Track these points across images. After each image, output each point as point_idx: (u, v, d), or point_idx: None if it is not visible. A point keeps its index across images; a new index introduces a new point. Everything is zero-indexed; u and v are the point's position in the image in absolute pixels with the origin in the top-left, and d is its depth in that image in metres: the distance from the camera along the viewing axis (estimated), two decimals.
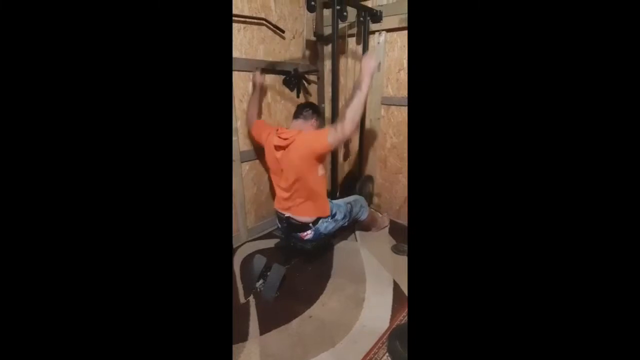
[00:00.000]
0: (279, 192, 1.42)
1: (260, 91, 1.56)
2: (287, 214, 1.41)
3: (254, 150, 1.67)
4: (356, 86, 1.13)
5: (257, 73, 1.52)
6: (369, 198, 1.91)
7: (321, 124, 1.49)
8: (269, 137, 1.38)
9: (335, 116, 1.60)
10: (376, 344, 1.08)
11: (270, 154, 1.38)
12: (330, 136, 1.18)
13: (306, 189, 1.32)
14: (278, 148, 1.32)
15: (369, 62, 1.11)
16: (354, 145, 1.97)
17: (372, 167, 1.97)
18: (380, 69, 1.13)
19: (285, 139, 1.29)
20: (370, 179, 1.98)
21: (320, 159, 1.28)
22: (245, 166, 1.67)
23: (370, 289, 1.36)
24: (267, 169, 1.50)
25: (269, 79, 1.65)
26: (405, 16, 1.51)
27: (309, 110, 1.41)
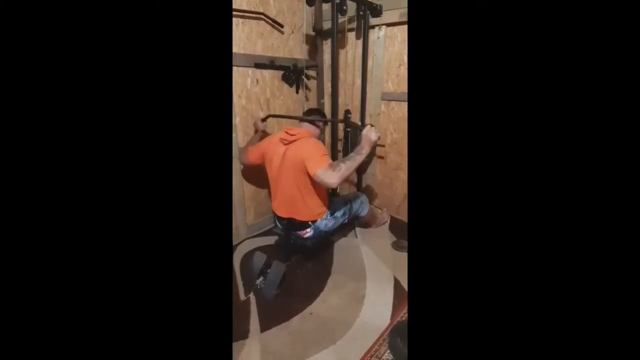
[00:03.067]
0: (276, 193, 1.42)
1: (262, 136, 1.58)
2: (285, 218, 1.41)
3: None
4: (357, 150, 1.24)
5: (259, 120, 1.56)
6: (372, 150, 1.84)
7: (323, 131, 1.55)
8: (270, 141, 1.40)
9: (335, 112, 1.59)
10: (377, 340, 1.08)
11: (273, 150, 1.37)
12: (320, 171, 1.19)
13: (302, 190, 1.33)
14: (284, 142, 1.33)
15: (370, 135, 1.24)
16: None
17: (372, 163, 1.96)
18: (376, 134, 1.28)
19: (292, 135, 1.31)
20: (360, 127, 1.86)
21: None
22: None
23: (371, 286, 1.36)
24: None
25: (268, 74, 1.64)
26: (406, 10, 1.49)
27: (317, 115, 1.47)
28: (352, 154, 1.24)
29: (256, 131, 1.60)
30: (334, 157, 1.71)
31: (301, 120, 1.46)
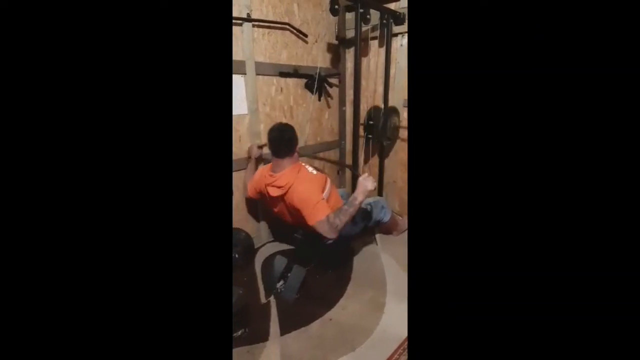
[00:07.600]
0: (286, 217, 1.44)
1: (257, 163, 1.55)
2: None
3: None
4: (350, 200, 1.24)
5: (254, 146, 1.52)
6: (395, 131, 1.84)
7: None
8: (261, 175, 1.42)
9: (356, 119, 1.60)
10: (397, 350, 1.06)
11: (265, 186, 1.39)
12: (318, 224, 1.22)
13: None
14: (271, 182, 1.35)
15: (366, 183, 1.23)
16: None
17: (393, 170, 1.95)
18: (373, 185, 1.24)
19: (273, 178, 1.34)
20: (395, 110, 1.82)
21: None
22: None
23: (391, 294, 1.34)
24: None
25: (292, 82, 1.68)
26: None
27: (285, 140, 1.36)
28: (346, 206, 1.24)
29: (249, 157, 1.54)
30: (354, 160, 1.72)
31: (275, 155, 1.36)
